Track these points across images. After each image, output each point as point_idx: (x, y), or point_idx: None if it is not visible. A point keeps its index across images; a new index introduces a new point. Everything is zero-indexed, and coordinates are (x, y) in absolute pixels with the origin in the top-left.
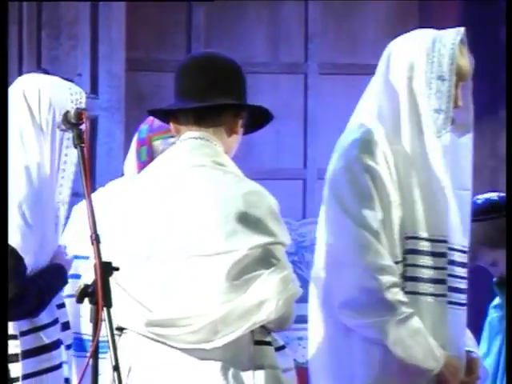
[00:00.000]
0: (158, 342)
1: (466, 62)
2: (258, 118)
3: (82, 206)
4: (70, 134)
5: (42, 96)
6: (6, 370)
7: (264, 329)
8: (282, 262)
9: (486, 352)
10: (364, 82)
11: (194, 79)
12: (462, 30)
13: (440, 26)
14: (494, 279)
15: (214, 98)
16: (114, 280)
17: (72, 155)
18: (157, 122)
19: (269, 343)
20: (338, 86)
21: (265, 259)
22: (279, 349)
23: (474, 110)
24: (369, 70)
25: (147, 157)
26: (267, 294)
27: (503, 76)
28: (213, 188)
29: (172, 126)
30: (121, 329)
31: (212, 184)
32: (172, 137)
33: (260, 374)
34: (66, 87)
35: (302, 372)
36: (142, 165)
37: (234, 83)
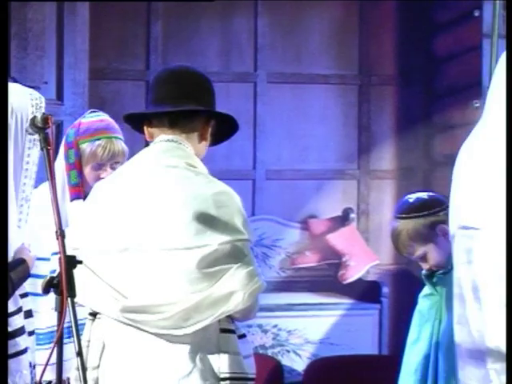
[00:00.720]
0: (131, 326)
1: None
2: (224, 130)
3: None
4: (32, 137)
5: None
6: (6, 367)
7: (229, 318)
8: (248, 257)
9: (416, 338)
10: (308, 90)
11: (168, 88)
12: None
13: (379, 39)
14: (423, 271)
15: (187, 104)
16: (91, 270)
17: (34, 156)
18: (83, 127)
19: (233, 331)
20: (285, 93)
21: (233, 254)
22: (240, 337)
23: (409, 114)
24: (312, 79)
25: (75, 158)
26: (235, 287)
27: (437, 81)
28: (185, 188)
29: (146, 131)
30: (94, 314)
31: (184, 184)
32: (98, 139)
33: (225, 359)
34: (27, 93)
35: (257, 357)
36: (71, 166)
37: (205, 94)
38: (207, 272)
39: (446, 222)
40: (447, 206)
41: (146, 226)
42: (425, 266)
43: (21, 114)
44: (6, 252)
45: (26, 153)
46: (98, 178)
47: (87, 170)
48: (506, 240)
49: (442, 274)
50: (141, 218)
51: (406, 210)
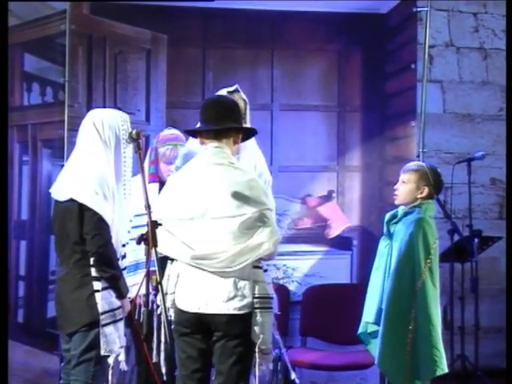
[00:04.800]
0: (196, 267)
1: None
2: (249, 134)
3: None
4: (127, 144)
5: (105, 122)
6: (6, 366)
7: (259, 259)
8: (270, 220)
9: (377, 266)
10: (306, 115)
11: (212, 111)
12: None
13: (351, 82)
14: (387, 215)
15: (225, 123)
16: (170, 232)
17: (128, 153)
18: (160, 137)
19: (261, 268)
20: (291, 117)
21: (261, 218)
22: (265, 271)
23: (369, 130)
24: (308, 108)
25: (154, 157)
26: (263, 239)
27: (388, 109)
28: (229, 177)
29: (199, 139)
30: (172, 259)
31: (228, 175)
32: (168, 145)
33: (256, 286)
34: (119, 115)
35: (273, 285)
36: (152, 162)
37: (236, 114)
38: (245, 231)
39: (428, 185)
40: (438, 176)
41: (204, 203)
42: (396, 198)
43: (115, 129)
44: (5, 253)
45: (122, 150)
46: (168, 170)
47: (161, 165)
48: (506, 240)
49: (395, 224)
50: (201, 198)
51: (406, 169)
